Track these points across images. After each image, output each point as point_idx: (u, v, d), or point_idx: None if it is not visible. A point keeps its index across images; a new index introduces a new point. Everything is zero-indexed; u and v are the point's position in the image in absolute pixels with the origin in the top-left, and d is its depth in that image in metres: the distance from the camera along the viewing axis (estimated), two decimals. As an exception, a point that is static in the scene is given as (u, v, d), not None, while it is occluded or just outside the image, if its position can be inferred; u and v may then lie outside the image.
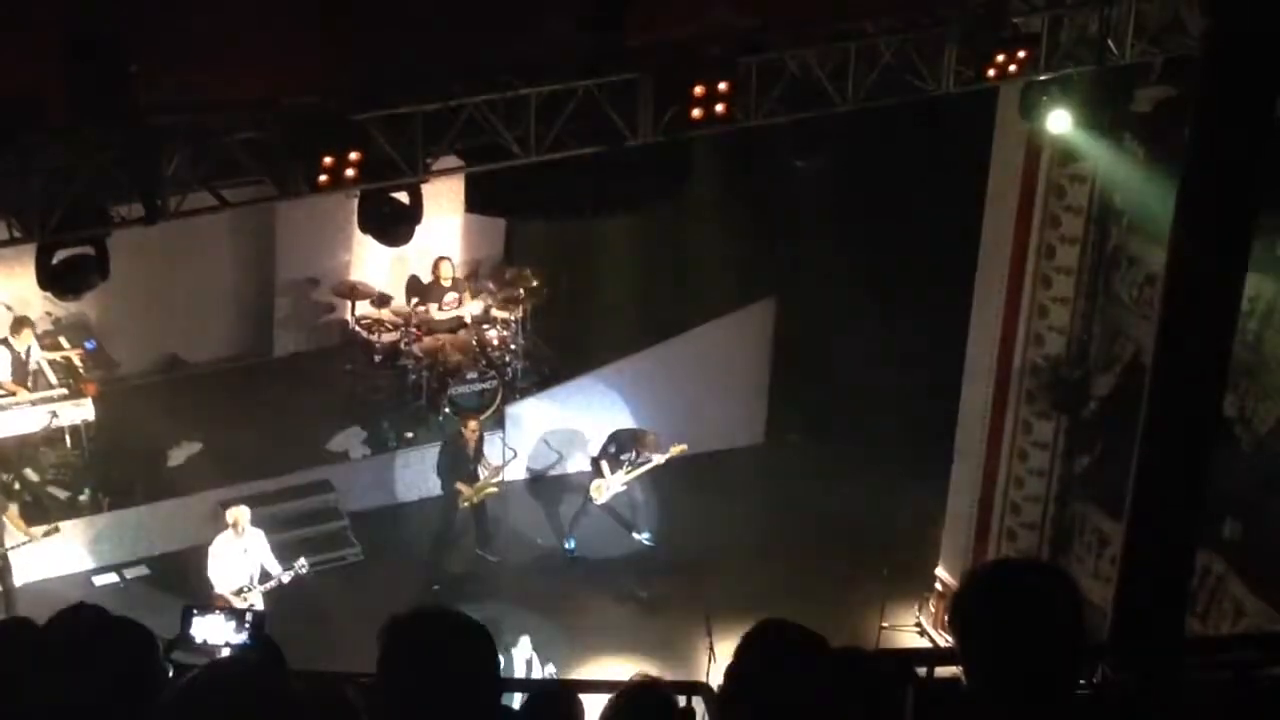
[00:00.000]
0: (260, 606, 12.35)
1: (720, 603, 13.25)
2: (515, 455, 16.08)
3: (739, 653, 3.55)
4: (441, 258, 16.76)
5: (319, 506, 15.43)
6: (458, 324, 16.69)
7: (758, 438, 17.52)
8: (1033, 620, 3.12)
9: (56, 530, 13.71)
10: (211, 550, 13.07)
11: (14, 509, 13.58)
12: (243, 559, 13.08)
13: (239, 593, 12.89)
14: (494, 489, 15.14)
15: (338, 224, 16.16)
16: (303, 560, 13.29)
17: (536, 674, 12.76)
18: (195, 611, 5.62)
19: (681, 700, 6.34)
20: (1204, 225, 7.66)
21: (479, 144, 10.34)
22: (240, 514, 13.17)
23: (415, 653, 3.28)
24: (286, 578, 13.10)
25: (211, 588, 12.92)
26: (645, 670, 12.47)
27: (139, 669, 3.54)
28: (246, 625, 5.44)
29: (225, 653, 5.87)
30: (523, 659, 12.92)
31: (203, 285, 16.57)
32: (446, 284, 16.77)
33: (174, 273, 16.08)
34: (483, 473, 15.01)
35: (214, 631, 5.56)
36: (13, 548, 13.33)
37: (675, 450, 15.31)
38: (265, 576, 13.12)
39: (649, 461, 15.21)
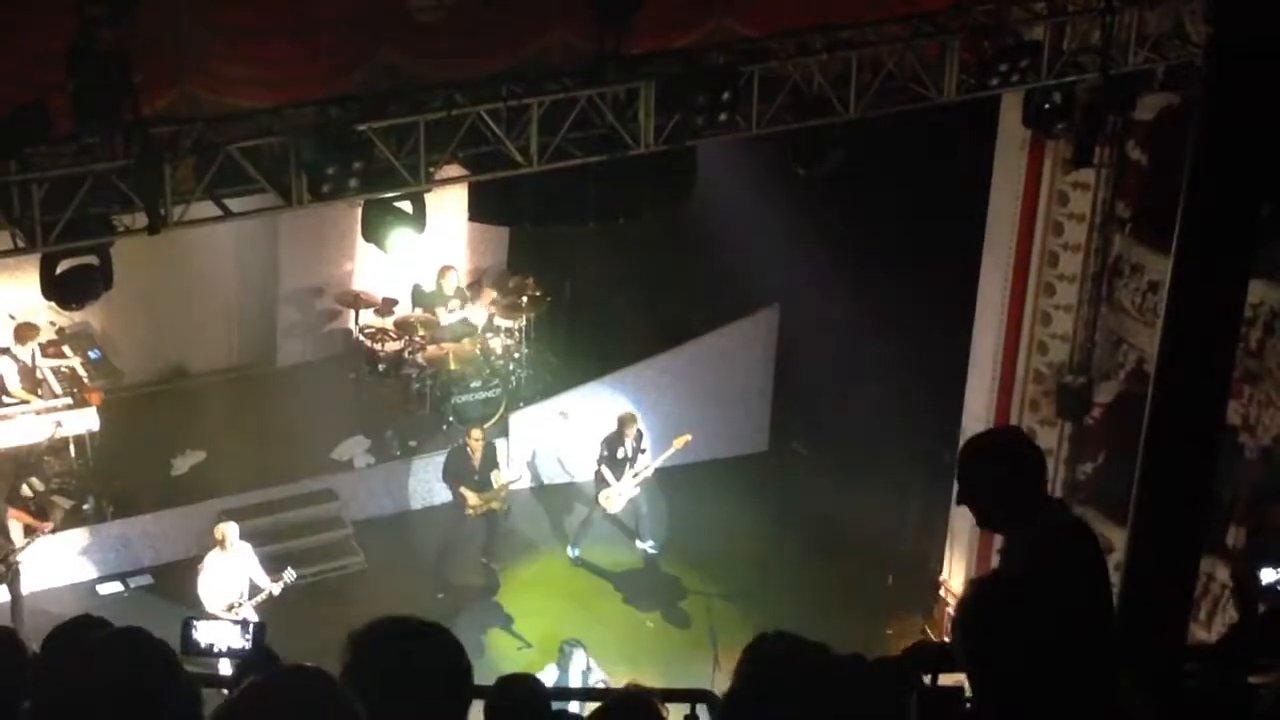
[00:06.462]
0: (254, 619, 12.25)
1: (725, 610, 13.25)
2: (522, 478, 16.08)
3: (742, 665, 3.54)
4: (446, 266, 16.78)
5: (323, 515, 15.41)
6: (461, 333, 16.69)
7: (762, 445, 17.50)
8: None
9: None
10: (201, 568, 12.92)
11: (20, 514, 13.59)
12: (232, 574, 12.93)
13: (230, 609, 12.67)
14: (497, 505, 15.06)
15: (341, 233, 16.20)
16: (290, 570, 13.16)
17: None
18: (195, 620, 5.63)
19: (686, 709, 6.34)
20: (1207, 232, 7.66)
21: (482, 153, 10.36)
22: (227, 529, 13.04)
23: (375, 663, 3.28)
24: (276, 589, 12.94)
25: (202, 606, 12.64)
26: (648, 678, 12.51)
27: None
28: (248, 635, 5.45)
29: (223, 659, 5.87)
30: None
31: (206, 294, 16.56)
32: (450, 293, 16.78)
33: (178, 282, 16.07)
34: (495, 482, 14.95)
35: (217, 636, 5.57)
36: (23, 547, 13.32)
37: (680, 442, 15.29)
38: (255, 590, 12.96)
39: (647, 450, 15.15)
